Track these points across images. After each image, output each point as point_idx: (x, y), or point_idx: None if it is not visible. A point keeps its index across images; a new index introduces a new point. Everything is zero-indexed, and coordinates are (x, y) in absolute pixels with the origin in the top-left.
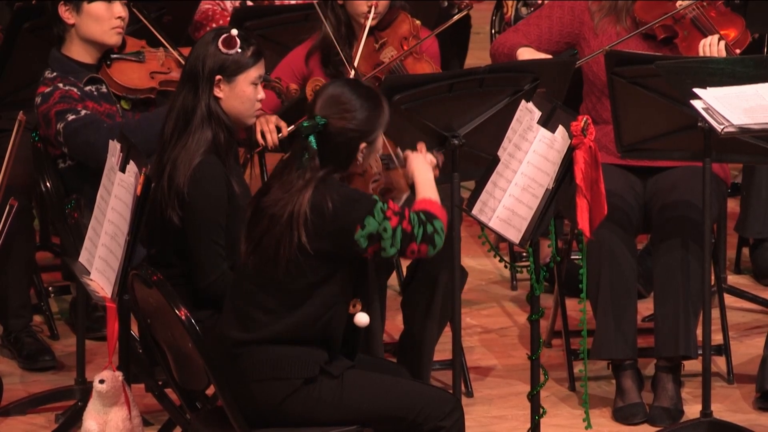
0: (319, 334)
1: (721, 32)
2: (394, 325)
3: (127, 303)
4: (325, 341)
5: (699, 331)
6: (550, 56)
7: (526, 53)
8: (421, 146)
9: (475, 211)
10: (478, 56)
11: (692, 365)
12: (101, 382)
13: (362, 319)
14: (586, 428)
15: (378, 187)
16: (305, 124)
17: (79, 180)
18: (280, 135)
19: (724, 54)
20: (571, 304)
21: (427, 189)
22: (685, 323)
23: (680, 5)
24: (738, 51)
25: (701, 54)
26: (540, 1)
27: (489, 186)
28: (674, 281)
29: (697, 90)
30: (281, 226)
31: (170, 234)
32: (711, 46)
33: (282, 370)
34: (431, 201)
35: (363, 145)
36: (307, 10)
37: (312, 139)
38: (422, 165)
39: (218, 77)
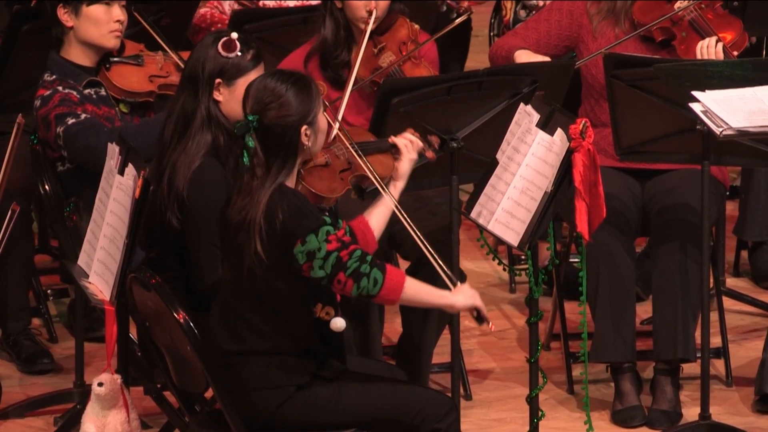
0: (295, 344)
1: (719, 34)
2: (393, 328)
3: (125, 306)
4: (309, 351)
5: (698, 334)
6: (547, 58)
7: (524, 55)
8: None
9: (473, 214)
10: (476, 59)
11: (691, 368)
12: (100, 385)
13: (338, 324)
14: (587, 431)
15: (349, 176)
16: (237, 125)
17: (77, 183)
18: None
19: (721, 56)
20: (569, 307)
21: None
22: (684, 326)
23: (678, 7)
24: (736, 53)
25: (698, 56)
26: (540, 3)
27: (488, 189)
28: (673, 284)
29: (695, 93)
30: (243, 233)
31: (169, 237)
32: (708, 48)
33: (274, 379)
34: (400, 282)
35: (304, 128)
36: (306, 13)
37: (248, 138)
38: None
39: (218, 80)
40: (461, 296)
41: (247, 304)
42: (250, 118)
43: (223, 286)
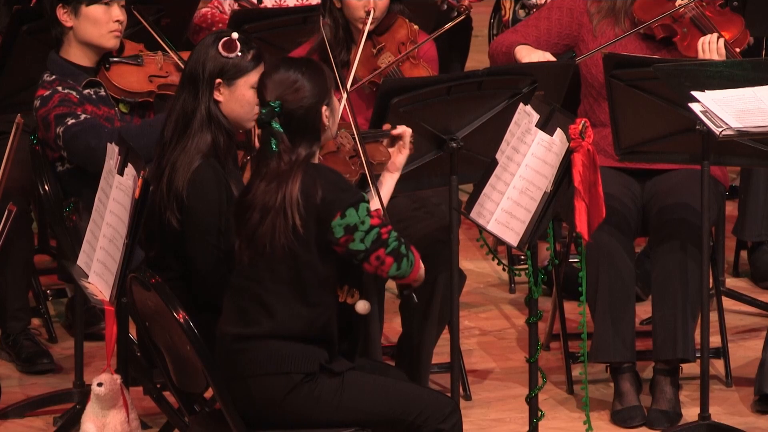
0: (316, 330)
1: (721, 31)
2: (392, 328)
3: (125, 306)
4: (324, 338)
5: (697, 334)
6: (548, 53)
7: (524, 50)
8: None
9: (473, 214)
10: (476, 59)
11: (690, 368)
12: (99, 385)
13: (363, 306)
14: (587, 431)
15: (356, 163)
16: (264, 112)
17: (77, 183)
18: None
19: (723, 52)
20: (569, 307)
21: None
22: (684, 326)
23: (679, 4)
24: (738, 50)
25: (700, 52)
26: (539, 2)
27: (487, 189)
28: (672, 284)
29: (695, 93)
30: (275, 211)
31: (169, 237)
32: (710, 44)
33: (282, 364)
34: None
35: (324, 108)
36: (305, 13)
37: (274, 123)
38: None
39: (218, 81)
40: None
41: (266, 285)
42: (273, 103)
43: (237, 272)
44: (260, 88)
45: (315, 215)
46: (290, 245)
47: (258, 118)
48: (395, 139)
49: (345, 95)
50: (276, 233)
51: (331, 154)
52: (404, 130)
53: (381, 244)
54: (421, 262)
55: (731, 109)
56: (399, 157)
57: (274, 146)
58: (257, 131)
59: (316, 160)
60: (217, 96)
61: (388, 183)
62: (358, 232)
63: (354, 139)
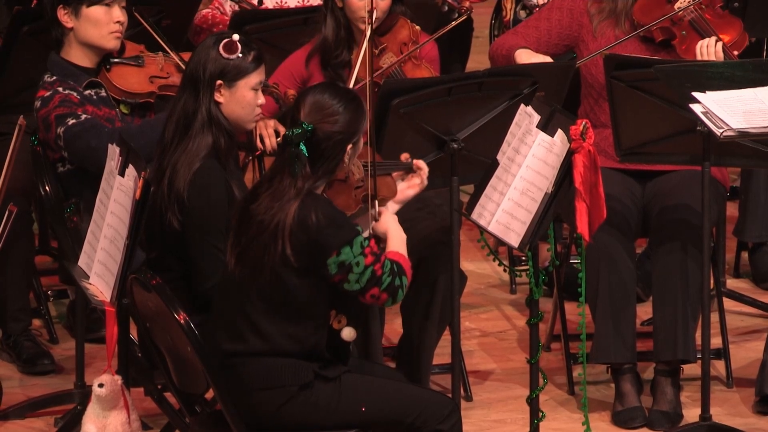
0: (304, 349)
1: (719, 34)
2: (393, 329)
3: (126, 307)
4: (315, 353)
5: (698, 335)
6: (547, 57)
7: (524, 54)
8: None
9: (474, 215)
10: (477, 60)
11: (691, 369)
12: (100, 385)
13: (349, 333)
14: None
15: (362, 193)
16: (296, 132)
17: (78, 184)
18: (278, 139)
19: (721, 55)
20: (570, 307)
21: (398, 244)
22: (684, 327)
23: (678, 7)
24: (736, 53)
25: (698, 55)
26: (539, 2)
27: (488, 190)
28: (673, 285)
29: (696, 94)
30: (268, 233)
31: (169, 238)
32: (708, 48)
33: (276, 379)
34: (403, 256)
35: (349, 146)
36: (306, 14)
37: (303, 146)
38: (394, 221)
39: (219, 82)
40: (391, 220)
41: (256, 305)
42: (306, 126)
43: (228, 284)
44: (298, 103)
45: (309, 249)
46: (278, 269)
47: (287, 135)
48: (410, 173)
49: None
50: (266, 255)
51: (338, 181)
52: (423, 166)
53: (375, 283)
54: (409, 268)
55: (737, 109)
56: (409, 191)
57: (296, 168)
58: (258, 132)
59: (322, 188)
60: (218, 97)
61: (391, 210)
62: (353, 273)
63: (366, 171)
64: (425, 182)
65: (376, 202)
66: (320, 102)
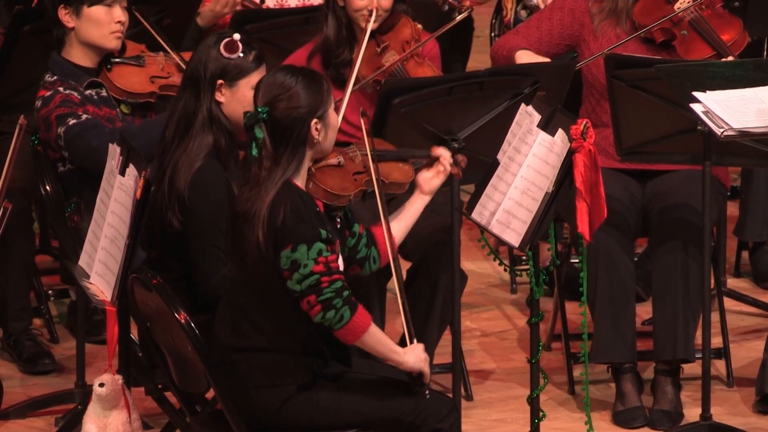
0: (300, 344)
1: (719, 33)
2: (393, 328)
3: (126, 306)
4: (316, 350)
5: (698, 335)
6: (548, 59)
7: (524, 56)
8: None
9: (474, 215)
10: (478, 59)
11: (692, 368)
12: (101, 385)
13: None
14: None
15: (362, 179)
16: (247, 116)
17: (78, 183)
18: None
19: None
20: (570, 307)
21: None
22: (684, 326)
23: (678, 8)
24: (736, 53)
25: None
26: (540, 2)
27: (489, 189)
28: (673, 284)
29: (696, 93)
30: (247, 223)
31: (170, 238)
32: None
33: (277, 377)
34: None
35: (314, 121)
36: (307, 13)
37: (257, 129)
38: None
39: (220, 81)
40: (412, 356)
41: (250, 301)
42: (260, 109)
43: (230, 283)
44: (255, 91)
45: (272, 238)
46: (256, 259)
47: (244, 122)
48: (433, 161)
49: (347, 94)
50: (247, 244)
51: (330, 167)
52: (441, 153)
53: (315, 291)
54: (364, 323)
55: (733, 109)
56: (434, 180)
57: (254, 152)
58: None
59: (303, 175)
60: (219, 97)
61: (417, 204)
62: (298, 273)
63: (367, 155)
64: (448, 168)
65: (382, 183)
66: (272, 82)
